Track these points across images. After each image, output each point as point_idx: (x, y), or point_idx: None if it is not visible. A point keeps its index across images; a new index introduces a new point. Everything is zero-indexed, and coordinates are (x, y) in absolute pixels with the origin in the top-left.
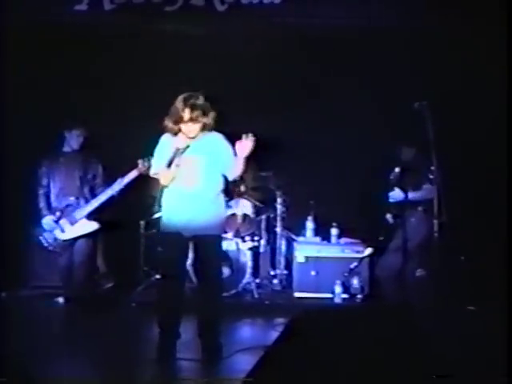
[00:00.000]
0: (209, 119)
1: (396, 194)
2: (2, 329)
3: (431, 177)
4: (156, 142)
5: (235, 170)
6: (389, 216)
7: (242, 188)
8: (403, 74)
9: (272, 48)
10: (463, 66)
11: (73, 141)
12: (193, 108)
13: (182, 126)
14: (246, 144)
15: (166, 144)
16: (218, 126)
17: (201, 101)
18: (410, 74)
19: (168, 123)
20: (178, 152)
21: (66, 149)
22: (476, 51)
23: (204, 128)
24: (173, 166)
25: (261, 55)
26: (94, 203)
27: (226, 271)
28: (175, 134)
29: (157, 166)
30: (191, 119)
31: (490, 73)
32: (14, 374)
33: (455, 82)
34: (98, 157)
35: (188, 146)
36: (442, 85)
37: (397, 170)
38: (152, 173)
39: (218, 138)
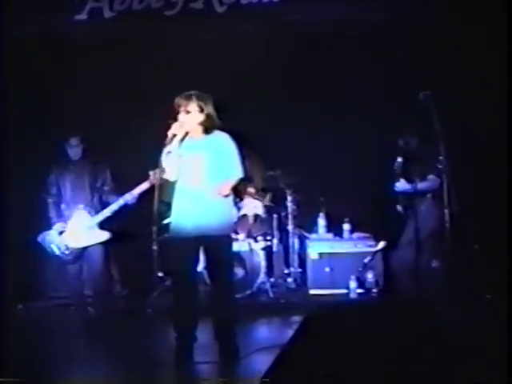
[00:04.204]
0: (205, 116)
1: (402, 185)
2: (20, 340)
3: (440, 167)
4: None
5: (236, 174)
6: (399, 207)
7: (252, 188)
8: (406, 64)
9: (274, 46)
10: (466, 55)
11: (73, 151)
12: (186, 98)
13: (179, 117)
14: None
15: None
16: (224, 127)
17: (201, 97)
18: (413, 65)
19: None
20: (175, 138)
21: (73, 157)
22: (480, 39)
23: (205, 129)
24: (175, 156)
25: (263, 54)
26: (106, 212)
27: (239, 272)
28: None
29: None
30: (181, 107)
31: (493, 62)
32: None
33: (459, 71)
34: (105, 163)
35: (187, 133)
36: (446, 74)
37: (399, 159)
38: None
39: (223, 138)
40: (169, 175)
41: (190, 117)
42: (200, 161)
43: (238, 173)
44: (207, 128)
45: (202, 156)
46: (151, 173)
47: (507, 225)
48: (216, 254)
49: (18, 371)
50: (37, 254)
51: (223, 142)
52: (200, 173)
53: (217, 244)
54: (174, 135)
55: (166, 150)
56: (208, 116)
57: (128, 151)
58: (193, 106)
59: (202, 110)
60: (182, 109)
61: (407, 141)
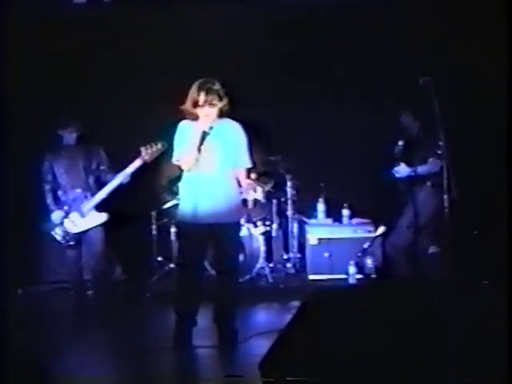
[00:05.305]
0: (224, 104)
1: (401, 169)
2: (20, 325)
3: (439, 152)
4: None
5: (244, 164)
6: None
7: (252, 173)
8: (407, 49)
9: (276, 31)
10: (467, 40)
11: (68, 137)
12: (208, 92)
13: (199, 111)
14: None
15: (186, 130)
16: (228, 112)
17: (217, 86)
18: (413, 49)
19: (187, 107)
20: (205, 135)
21: (66, 142)
22: (482, 25)
23: (220, 114)
24: (200, 150)
25: (264, 39)
26: (101, 194)
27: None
28: (193, 119)
29: (179, 153)
30: (206, 102)
31: (494, 48)
32: (31, 369)
33: (460, 56)
34: (99, 144)
35: (211, 128)
36: (447, 59)
37: (400, 143)
38: (174, 160)
39: (234, 126)
40: (186, 166)
41: (215, 109)
42: (212, 148)
43: (246, 163)
44: (224, 112)
45: (214, 143)
46: (142, 149)
47: (507, 211)
48: (222, 240)
49: (18, 355)
50: (36, 238)
51: (235, 131)
52: (212, 160)
53: (225, 230)
54: (205, 132)
55: (194, 145)
56: (227, 102)
57: (121, 129)
58: (216, 98)
59: (221, 99)
60: (206, 103)
61: (408, 125)
